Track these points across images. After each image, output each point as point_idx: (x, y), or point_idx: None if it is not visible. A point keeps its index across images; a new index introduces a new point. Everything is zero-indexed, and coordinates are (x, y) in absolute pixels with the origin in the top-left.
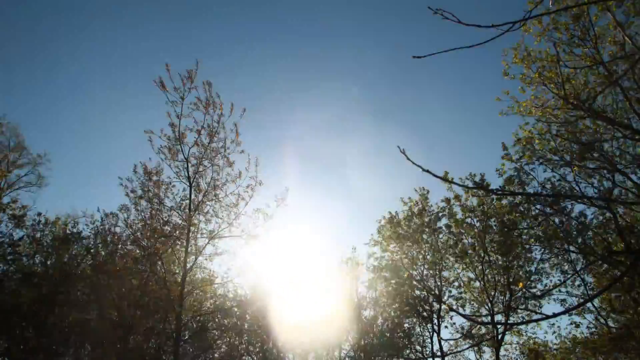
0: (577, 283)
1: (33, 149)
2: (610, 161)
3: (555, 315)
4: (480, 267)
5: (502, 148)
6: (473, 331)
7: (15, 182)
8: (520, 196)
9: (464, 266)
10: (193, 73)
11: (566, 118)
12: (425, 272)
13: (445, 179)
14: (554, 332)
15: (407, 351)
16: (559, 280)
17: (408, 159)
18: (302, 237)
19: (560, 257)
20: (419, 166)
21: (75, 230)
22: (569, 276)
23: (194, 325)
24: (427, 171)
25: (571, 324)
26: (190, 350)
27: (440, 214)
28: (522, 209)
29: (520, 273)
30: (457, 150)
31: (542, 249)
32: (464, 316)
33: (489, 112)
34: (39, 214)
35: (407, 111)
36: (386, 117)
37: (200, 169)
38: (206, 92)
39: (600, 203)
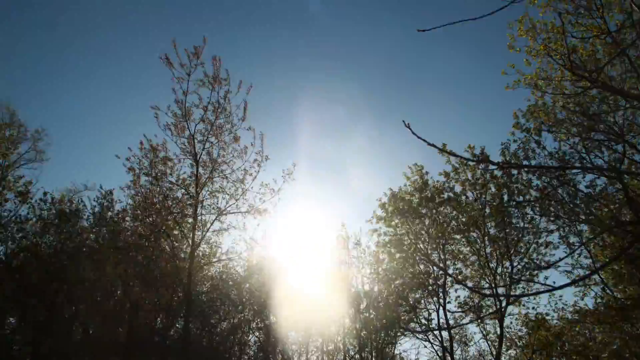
0: (583, 255)
1: (30, 126)
2: (618, 132)
3: (561, 287)
4: (481, 240)
5: (513, 116)
6: (477, 304)
7: (17, 160)
8: (523, 169)
9: (466, 240)
10: (200, 50)
11: (573, 90)
12: (429, 246)
13: (452, 153)
14: (556, 303)
15: (413, 324)
16: (564, 252)
17: (413, 133)
18: (308, 213)
19: (566, 229)
20: (424, 140)
21: (81, 206)
22: (575, 248)
23: (202, 300)
24: (433, 145)
25: (578, 295)
26: (198, 324)
27: (441, 188)
28: (522, 181)
29: (521, 244)
30: (461, 125)
31: (547, 220)
32: (469, 288)
33: (495, 87)
34: (45, 194)
35: (413, 87)
36: (391, 94)
37: (207, 145)
38: (214, 68)
39: (610, 174)
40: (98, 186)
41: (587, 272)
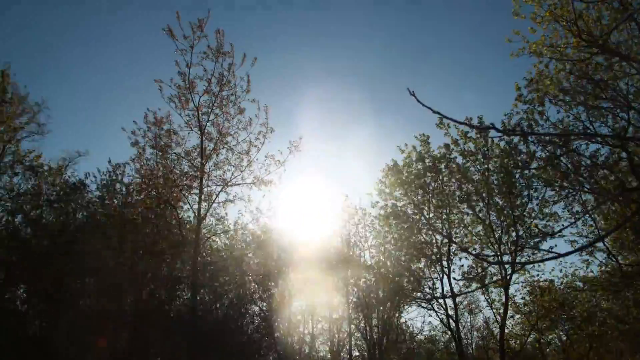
0: (588, 223)
1: (32, 98)
2: (624, 99)
3: (566, 254)
4: (485, 210)
5: (515, 89)
6: (481, 272)
7: (19, 132)
8: (523, 137)
9: (469, 210)
10: (203, 22)
11: (579, 56)
12: (432, 215)
13: (457, 121)
14: (561, 270)
15: (418, 293)
16: (568, 221)
17: (418, 101)
18: (313, 184)
19: (570, 198)
20: (428, 108)
21: (87, 180)
22: (579, 216)
23: (208, 271)
24: (438, 113)
25: (583, 262)
26: (208, 299)
27: (441, 160)
28: (525, 151)
29: (525, 212)
30: (465, 95)
31: (553, 191)
32: (474, 255)
33: (498, 59)
34: (50, 167)
35: (418, 57)
36: (397, 65)
37: (211, 117)
38: (217, 40)
39: (614, 141)
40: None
41: (592, 239)
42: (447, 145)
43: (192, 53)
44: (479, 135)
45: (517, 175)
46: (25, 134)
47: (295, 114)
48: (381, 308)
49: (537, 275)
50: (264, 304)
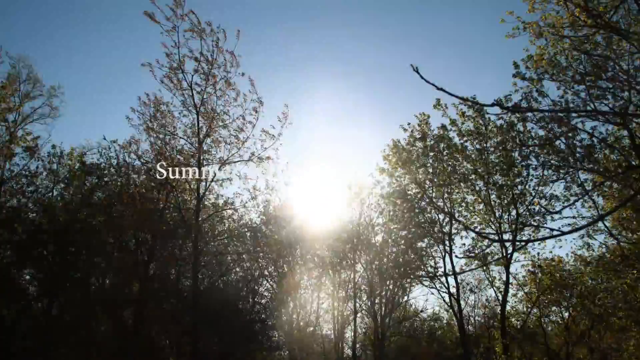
0: (587, 205)
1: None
2: (624, 79)
3: (567, 232)
4: (484, 189)
5: (513, 66)
6: (483, 250)
7: (30, 115)
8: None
9: (469, 189)
10: (180, 1)
11: (579, 37)
12: (434, 194)
13: (461, 97)
14: (561, 246)
15: (420, 272)
16: (567, 202)
17: (422, 77)
18: (313, 163)
19: (569, 179)
20: (432, 84)
21: (95, 160)
22: (579, 197)
23: (211, 251)
24: (442, 89)
25: (583, 245)
26: (209, 274)
27: (439, 140)
28: (522, 130)
29: (524, 190)
30: (464, 73)
31: (550, 169)
32: (477, 233)
33: (493, 40)
34: (54, 147)
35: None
36: (396, 40)
37: (205, 96)
38: (191, 20)
39: (614, 119)
40: (109, 142)
41: (593, 219)
42: (444, 126)
43: (177, 33)
44: (476, 115)
45: (516, 154)
46: (37, 117)
47: (300, 99)
48: (386, 286)
49: (538, 254)
50: (272, 283)
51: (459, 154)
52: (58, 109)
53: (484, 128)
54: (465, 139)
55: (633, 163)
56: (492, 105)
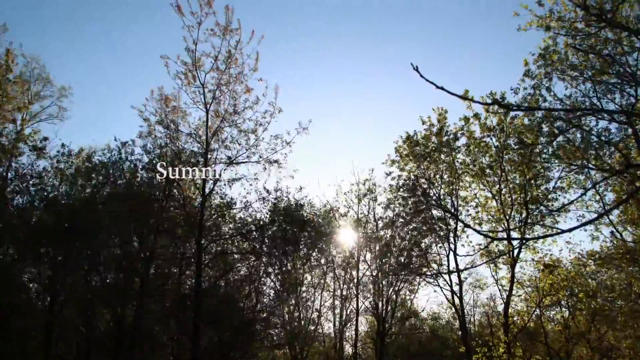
0: (595, 199)
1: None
2: (632, 74)
3: (571, 229)
4: (497, 186)
5: (524, 64)
6: (489, 248)
7: (38, 114)
8: (537, 112)
9: (481, 185)
10: None
11: (587, 31)
12: (442, 191)
13: (461, 96)
14: (570, 249)
15: (425, 269)
16: (575, 196)
17: (421, 76)
18: (321, 158)
19: (578, 174)
20: (432, 83)
21: (98, 160)
22: (586, 190)
23: (214, 250)
24: (442, 88)
25: (589, 236)
26: (211, 273)
27: (459, 133)
28: (544, 128)
29: (539, 191)
30: (474, 69)
31: (561, 167)
32: (480, 232)
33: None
34: (63, 145)
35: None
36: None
37: (217, 95)
38: (227, 17)
39: (620, 118)
40: (113, 139)
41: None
42: (467, 118)
43: (199, 30)
44: (501, 111)
45: (535, 151)
46: (45, 116)
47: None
48: (390, 285)
49: (545, 253)
50: (275, 281)
51: (478, 148)
52: (66, 110)
53: (505, 125)
54: (486, 133)
55: (637, 161)
56: (491, 103)
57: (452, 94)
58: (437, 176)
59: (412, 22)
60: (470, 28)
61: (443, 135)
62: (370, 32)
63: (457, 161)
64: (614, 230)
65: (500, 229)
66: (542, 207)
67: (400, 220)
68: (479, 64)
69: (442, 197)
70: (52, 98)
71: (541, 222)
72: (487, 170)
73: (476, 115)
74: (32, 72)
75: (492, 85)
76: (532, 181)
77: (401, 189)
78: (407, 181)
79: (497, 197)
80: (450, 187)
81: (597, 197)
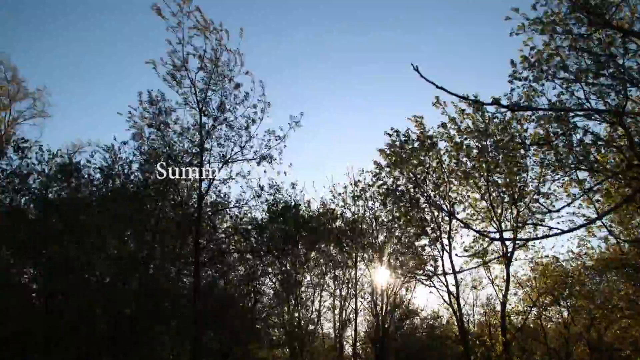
0: (585, 204)
1: (32, 84)
2: (625, 74)
3: (567, 231)
4: (484, 187)
5: (511, 65)
6: (482, 248)
7: (18, 117)
8: (526, 112)
9: (469, 188)
10: None
11: (580, 32)
12: (432, 193)
13: (460, 96)
14: (562, 246)
15: (419, 271)
16: (566, 201)
17: (422, 76)
18: (316, 159)
19: (568, 178)
20: (432, 83)
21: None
22: (577, 197)
23: (212, 249)
24: (442, 88)
25: (582, 240)
26: (209, 273)
27: (438, 139)
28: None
29: (525, 190)
30: (465, 71)
31: (551, 171)
32: (476, 231)
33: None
34: (41, 147)
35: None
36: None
37: (208, 94)
38: (197, 18)
39: (611, 119)
40: (101, 142)
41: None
42: (444, 124)
43: (182, 30)
44: (475, 112)
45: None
46: (27, 117)
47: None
48: (389, 285)
49: (539, 252)
50: (274, 281)
51: (459, 151)
52: (46, 110)
53: (483, 126)
54: (465, 136)
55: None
56: (491, 104)
57: (452, 93)
58: (425, 177)
59: (412, 22)
60: (470, 28)
61: (423, 140)
62: (371, 31)
63: (444, 164)
64: (609, 233)
65: (492, 229)
66: (531, 205)
67: (392, 223)
68: (479, 64)
69: (433, 199)
70: (29, 99)
71: (533, 223)
72: (472, 172)
73: (452, 120)
74: (5, 74)
75: (493, 85)
76: (517, 177)
77: (388, 198)
78: (392, 189)
79: (485, 198)
80: (440, 189)
81: (590, 200)
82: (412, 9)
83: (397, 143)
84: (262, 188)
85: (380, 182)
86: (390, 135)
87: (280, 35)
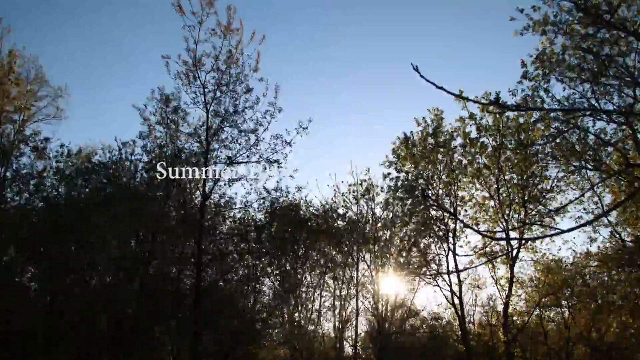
0: (593, 200)
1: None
2: (631, 75)
3: (570, 229)
4: (495, 186)
5: (521, 65)
6: (487, 248)
7: (35, 114)
8: (536, 112)
9: (479, 186)
10: None
11: (586, 33)
12: (440, 191)
13: (459, 95)
14: (569, 248)
15: (424, 269)
16: (573, 197)
17: (421, 76)
18: (320, 158)
19: (576, 174)
20: (432, 83)
21: (98, 160)
22: (584, 191)
23: (214, 249)
24: (441, 88)
25: (588, 238)
26: (210, 273)
27: (454, 134)
28: (541, 127)
29: (536, 190)
30: (472, 70)
31: (558, 167)
32: (479, 232)
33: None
34: (62, 146)
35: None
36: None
37: (218, 95)
38: (228, 17)
39: (619, 119)
40: (114, 140)
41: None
42: (462, 119)
43: (200, 30)
44: (497, 111)
45: (532, 152)
46: (42, 116)
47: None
48: (390, 285)
49: (544, 252)
50: (275, 281)
51: (475, 148)
52: (64, 110)
53: (501, 125)
54: (482, 133)
55: (635, 161)
56: (491, 103)
57: (452, 93)
58: (435, 177)
59: (411, 21)
60: (470, 28)
61: (439, 136)
62: (370, 32)
63: (454, 161)
64: (613, 231)
65: (498, 228)
66: (540, 207)
67: (398, 221)
68: (479, 64)
69: (440, 197)
70: (48, 98)
71: (539, 222)
72: (484, 171)
73: (472, 116)
74: (29, 73)
75: (493, 84)
76: (530, 180)
77: (399, 190)
78: (405, 182)
79: (495, 197)
80: (449, 187)
81: (595, 199)
82: (415, 10)
83: (417, 136)
84: (268, 192)
85: (394, 174)
86: (418, 123)
87: (285, 34)
